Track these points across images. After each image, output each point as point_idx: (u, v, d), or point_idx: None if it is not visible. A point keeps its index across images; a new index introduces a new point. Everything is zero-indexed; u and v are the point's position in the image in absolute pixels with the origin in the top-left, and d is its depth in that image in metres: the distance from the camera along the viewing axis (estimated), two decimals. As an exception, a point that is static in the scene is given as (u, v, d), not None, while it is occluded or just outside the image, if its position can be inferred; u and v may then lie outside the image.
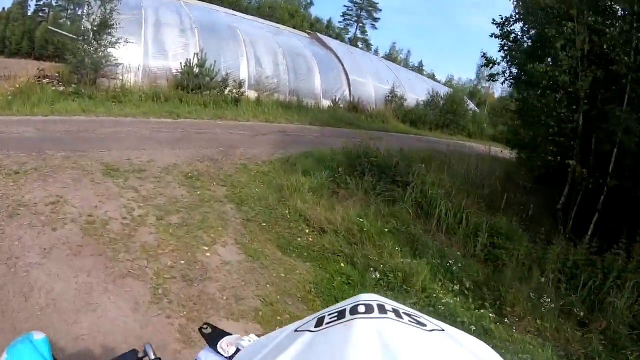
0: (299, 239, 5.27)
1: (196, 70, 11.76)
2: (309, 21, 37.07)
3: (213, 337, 0.92)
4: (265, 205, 5.96)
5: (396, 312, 0.59)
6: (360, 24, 48.90)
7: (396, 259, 5.01)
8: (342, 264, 4.82)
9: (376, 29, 50.37)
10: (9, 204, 4.50)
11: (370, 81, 20.49)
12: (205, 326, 0.94)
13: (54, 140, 6.72)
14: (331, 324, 0.58)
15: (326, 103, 16.80)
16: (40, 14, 54.55)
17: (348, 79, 18.85)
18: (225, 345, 0.88)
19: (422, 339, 0.55)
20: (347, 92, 18.45)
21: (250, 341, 0.90)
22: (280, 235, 5.24)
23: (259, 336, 0.89)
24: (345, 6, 50.14)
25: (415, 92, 23.29)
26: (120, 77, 11.15)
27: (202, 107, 10.67)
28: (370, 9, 48.02)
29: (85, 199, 5.01)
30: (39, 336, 0.86)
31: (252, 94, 13.25)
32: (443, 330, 0.60)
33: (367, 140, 8.57)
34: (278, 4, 34.14)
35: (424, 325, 0.58)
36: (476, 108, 30.17)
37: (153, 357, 0.87)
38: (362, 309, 0.59)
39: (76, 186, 5.26)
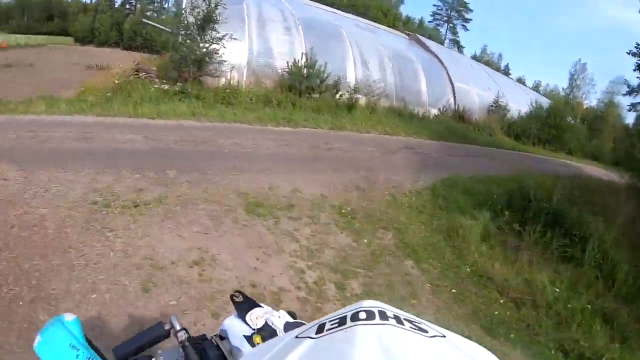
0: (496, 313, 4.40)
1: (305, 71, 10.25)
2: (401, 20, 34.88)
3: (243, 306, 0.92)
4: (442, 259, 4.98)
5: (397, 319, 0.59)
6: (451, 24, 45.53)
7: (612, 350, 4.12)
8: (552, 351, 4.05)
9: (467, 30, 46.74)
10: (138, 264, 3.03)
11: (473, 88, 18.09)
12: (237, 294, 0.94)
13: (170, 153, 5.40)
14: (332, 331, 0.58)
15: (433, 111, 14.72)
16: (127, 6, 57.61)
17: (452, 86, 16.61)
18: (255, 318, 0.86)
19: (424, 344, 0.56)
20: (451, 100, 16.23)
21: (280, 317, 0.90)
22: (476, 309, 4.32)
23: (289, 313, 0.91)
24: (435, 5, 46.96)
25: (516, 102, 20.54)
26: (225, 76, 9.91)
27: (316, 114, 9.16)
28: (461, 8, 44.61)
29: (236, 254, 3.47)
30: (69, 317, 0.86)
31: (362, 99, 11.54)
32: (444, 336, 0.60)
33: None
34: (372, 1, 32.20)
35: (426, 331, 0.59)
36: (573, 121, 26.62)
37: (179, 328, 0.84)
38: (363, 315, 0.60)
39: (218, 230, 3.75)
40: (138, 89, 8.87)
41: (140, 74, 11.80)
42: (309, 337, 0.58)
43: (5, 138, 4.94)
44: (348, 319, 0.59)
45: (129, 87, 9.11)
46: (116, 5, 58.08)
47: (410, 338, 0.55)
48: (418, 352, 0.53)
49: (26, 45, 37.87)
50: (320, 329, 0.60)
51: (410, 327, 0.58)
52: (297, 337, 0.61)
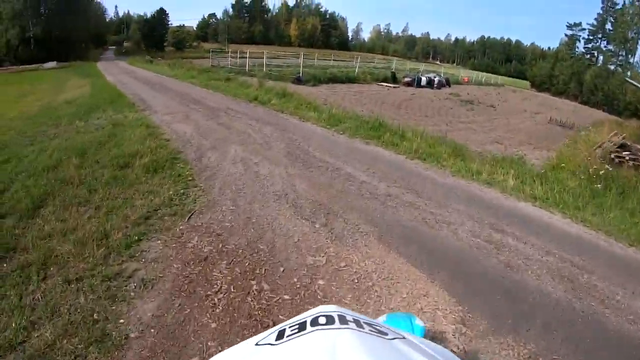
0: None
1: None
2: None
3: None
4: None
5: (357, 322, 0.63)
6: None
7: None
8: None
9: None
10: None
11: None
12: None
13: None
14: (292, 337, 0.61)
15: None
16: (589, 57, 53.34)
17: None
18: None
19: (385, 346, 0.59)
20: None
21: None
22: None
23: None
24: None
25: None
26: None
27: None
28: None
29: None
30: (419, 322, 0.98)
31: None
32: (403, 337, 0.64)
33: None
34: None
35: (385, 333, 0.63)
36: None
37: None
38: (322, 320, 0.63)
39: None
40: (633, 186, 6.09)
41: (624, 155, 8.72)
42: (269, 344, 0.61)
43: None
44: (308, 324, 0.62)
45: (616, 177, 6.49)
46: (577, 54, 54.37)
47: (371, 341, 0.58)
48: (381, 354, 0.55)
49: (485, 83, 43.19)
50: (280, 335, 0.63)
51: (370, 330, 0.61)
52: (257, 344, 0.63)
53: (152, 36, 52.83)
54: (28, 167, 5.00)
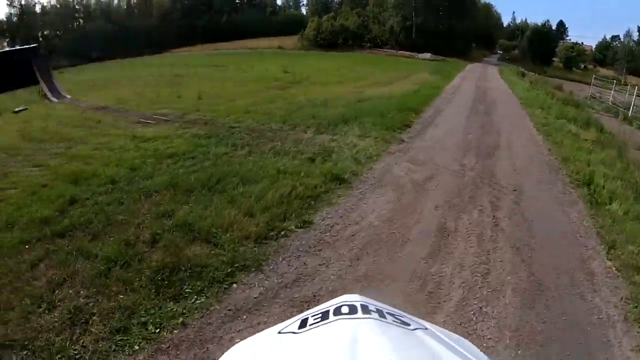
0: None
1: None
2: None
3: None
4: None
5: (380, 312, 0.65)
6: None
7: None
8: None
9: None
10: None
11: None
12: None
13: None
14: (314, 325, 0.63)
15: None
16: None
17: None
18: None
19: (407, 336, 0.61)
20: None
21: None
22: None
23: None
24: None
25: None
26: None
27: None
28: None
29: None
30: None
31: None
32: (426, 328, 0.66)
33: None
34: None
35: (408, 324, 0.65)
36: None
37: None
38: (345, 309, 0.65)
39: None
40: None
41: None
42: (291, 332, 0.65)
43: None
44: (331, 314, 0.65)
45: None
46: None
47: (394, 331, 0.61)
48: (401, 344, 0.57)
49: None
50: (303, 323, 0.66)
51: (393, 321, 0.64)
52: (279, 332, 0.67)
53: (541, 47, 48.89)
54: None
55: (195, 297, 3.58)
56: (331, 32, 42.69)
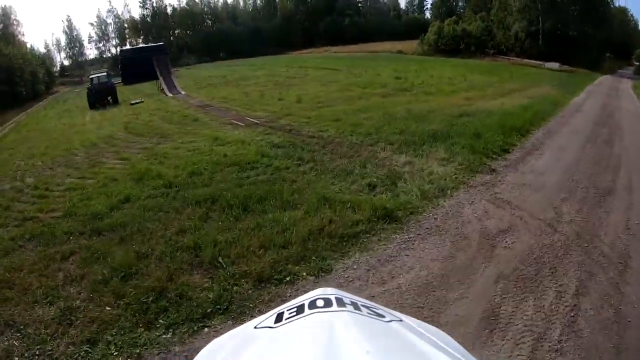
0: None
1: None
2: None
3: None
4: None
5: (354, 305, 0.67)
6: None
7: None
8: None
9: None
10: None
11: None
12: None
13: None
14: (290, 319, 0.65)
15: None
16: None
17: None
18: None
19: (382, 328, 0.63)
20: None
21: None
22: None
23: None
24: None
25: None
26: None
27: None
28: None
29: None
30: None
31: None
32: (401, 320, 0.68)
33: None
34: None
35: (383, 316, 0.67)
36: None
37: None
38: (320, 303, 0.67)
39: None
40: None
41: None
42: (268, 327, 0.66)
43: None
44: (306, 307, 0.67)
45: None
46: None
47: (369, 323, 0.63)
48: (376, 335, 0.60)
49: None
50: (279, 318, 0.68)
51: (368, 313, 0.66)
52: (256, 327, 0.68)
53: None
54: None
55: (164, 331, 3.41)
56: (453, 37, 40.38)
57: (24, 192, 9.28)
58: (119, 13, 55.21)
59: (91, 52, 52.63)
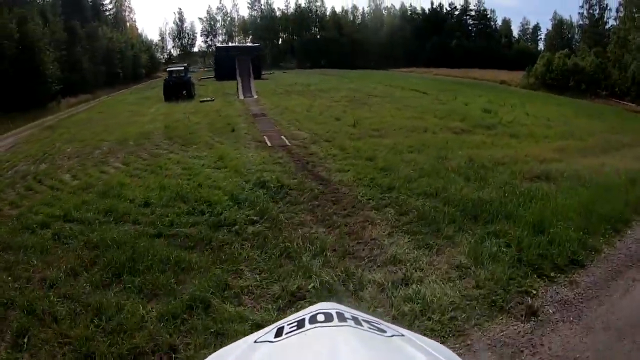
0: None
1: None
2: None
3: None
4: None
5: (355, 320, 0.66)
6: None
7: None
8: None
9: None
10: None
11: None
12: None
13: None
14: (290, 334, 0.64)
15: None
16: None
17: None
18: None
19: (383, 344, 0.61)
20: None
21: None
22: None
23: None
24: None
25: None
26: None
27: None
28: None
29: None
30: None
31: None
32: (402, 335, 0.66)
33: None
34: None
35: (384, 331, 0.65)
36: None
37: None
38: (321, 317, 0.66)
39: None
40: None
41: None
42: (268, 341, 0.65)
43: None
44: (306, 322, 0.66)
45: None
46: None
47: (370, 338, 0.62)
48: (379, 351, 0.59)
49: None
50: (279, 332, 0.67)
51: (369, 328, 0.65)
52: (255, 341, 0.67)
53: None
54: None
55: None
56: (562, 71, 34.21)
57: (23, 179, 9.00)
58: (228, 11, 57.84)
59: (199, 46, 56.35)
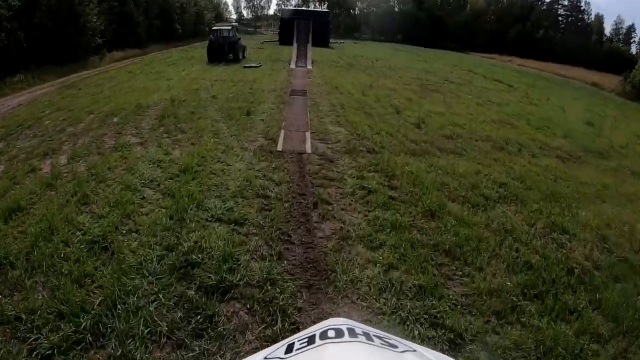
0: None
1: None
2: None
3: None
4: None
5: (367, 335, 0.63)
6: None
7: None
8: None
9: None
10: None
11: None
12: None
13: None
14: (301, 350, 0.61)
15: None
16: None
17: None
18: None
19: (394, 359, 0.56)
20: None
21: None
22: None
23: None
24: None
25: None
26: None
27: None
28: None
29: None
30: None
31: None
32: (414, 350, 0.63)
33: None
34: None
35: (395, 346, 0.62)
36: None
37: None
38: (332, 333, 0.63)
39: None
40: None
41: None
42: (278, 358, 0.61)
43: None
44: (317, 338, 0.63)
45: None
46: None
47: (381, 354, 0.59)
48: None
49: None
50: (290, 348, 0.63)
51: (381, 344, 0.62)
52: (266, 358, 0.63)
53: None
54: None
55: None
56: None
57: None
58: None
59: (275, 10, 52.56)
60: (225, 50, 18.86)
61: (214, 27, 20.61)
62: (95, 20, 19.39)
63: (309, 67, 18.91)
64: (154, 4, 26.78)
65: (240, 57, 19.69)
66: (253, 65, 17.93)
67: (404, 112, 10.45)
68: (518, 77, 24.93)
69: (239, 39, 20.42)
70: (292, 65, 18.84)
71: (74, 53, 17.76)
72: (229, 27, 20.18)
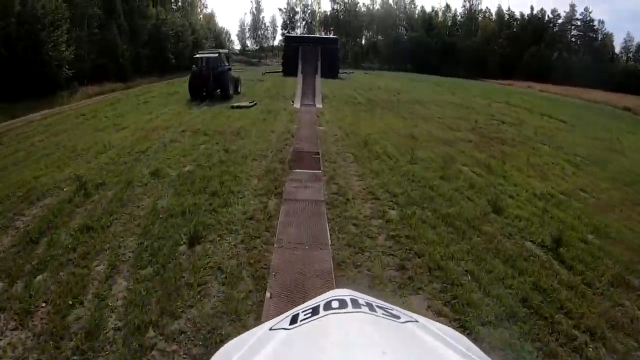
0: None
1: None
2: None
3: None
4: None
5: (369, 306, 0.62)
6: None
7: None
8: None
9: None
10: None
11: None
12: None
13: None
14: (305, 321, 0.60)
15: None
16: None
17: None
18: None
19: (396, 329, 0.58)
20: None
21: None
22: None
23: None
24: None
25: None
26: None
27: None
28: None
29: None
30: None
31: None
32: (416, 321, 0.63)
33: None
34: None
35: (398, 317, 0.62)
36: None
37: None
38: (335, 304, 0.62)
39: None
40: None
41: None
42: (283, 329, 0.60)
43: None
44: (321, 309, 0.62)
45: None
46: None
47: (384, 324, 0.58)
48: (394, 337, 0.55)
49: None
50: (294, 319, 0.62)
51: (383, 314, 0.61)
52: (271, 329, 0.62)
53: None
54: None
55: None
56: None
57: None
58: (309, 3, 50.03)
59: (280, 40, 49.39)
60: (210, 84, 14.20)
61: (196, 55, 15.63)
62: (64, 49, 15.03)
63: (319, 105, 14.20)
64: (142, 30, 22.51)
65: (231, 92, 14.97)
66: (243, 104, 13.21)
67: (506, 209, 5.42)
68: (555, 108, 20.10)
69: (229, 69, 15.71)
70: (297, 104, 14.11)
71: (34, 87, 13.43)
72: (215, 55, 15.13)
